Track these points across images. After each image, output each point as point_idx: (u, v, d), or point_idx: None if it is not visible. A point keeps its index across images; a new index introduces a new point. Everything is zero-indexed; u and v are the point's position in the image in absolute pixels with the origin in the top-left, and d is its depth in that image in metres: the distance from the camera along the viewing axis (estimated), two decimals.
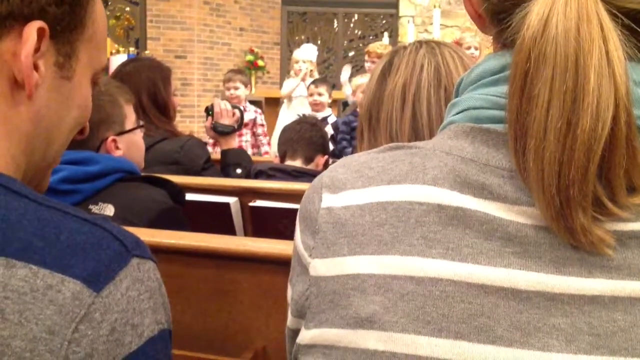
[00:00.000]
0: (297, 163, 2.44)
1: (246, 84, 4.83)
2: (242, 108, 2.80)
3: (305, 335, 0.55)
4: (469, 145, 0.54)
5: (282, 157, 2.49)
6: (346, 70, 5.49)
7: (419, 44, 1.13)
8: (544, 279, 0.48)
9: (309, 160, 2.45)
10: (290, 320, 0.60)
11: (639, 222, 0.48)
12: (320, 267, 0.55)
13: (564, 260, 0.49)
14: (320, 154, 2.49)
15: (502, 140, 0.52)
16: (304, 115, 2.77)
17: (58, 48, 0.64)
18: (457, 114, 0.56)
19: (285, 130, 2.55)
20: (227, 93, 4.68)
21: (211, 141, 4.47)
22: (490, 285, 0.49)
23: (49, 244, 0.54)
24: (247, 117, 4.65)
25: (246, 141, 4.58)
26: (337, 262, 0.54)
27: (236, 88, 4.70)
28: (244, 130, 4.63)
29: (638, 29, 0.48)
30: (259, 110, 4.87)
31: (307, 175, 2.29)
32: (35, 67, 0.62)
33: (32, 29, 0.60)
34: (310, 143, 2.46)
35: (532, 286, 0.48)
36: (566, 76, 0.46)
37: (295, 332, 0.58)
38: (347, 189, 0.57)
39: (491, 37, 0.58)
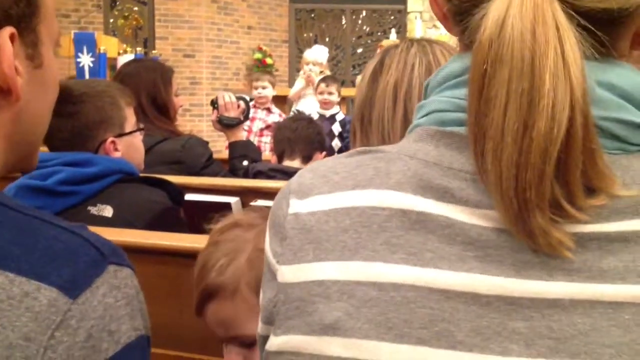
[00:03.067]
0: (296, 162, 2.43)
1: (273, 85, 4.82)
2: (247, 98, 2.78)
3: (274, 342, 0.55)
4: (434, 149, 0.53)
5: (280, 157, 2.48)
6: None
7: (410, 42, 1.12)
8: (504, 282, 0.48)
9: (307, 159, 2.44)
10: (260, 327, 0.60)
11: (598, 224, 0.48)
12: (287, 273, 0.55)
13: (525, 264, 0.48)
14: (318, 152, 2.48)
15: (466, 143, 0.51)
16: (298, 111, 2.74)
17: (25, 41, 0.63)
18: (423, 116, 0.56)
19: (281, 128, 2.53)
20: (255, 92, 4.67)
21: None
22: (451, 290, 0.49)
23: (26, 252, 0.55)
24: (271, 119, 4.65)
25: (265, 143, 4.56)
26: (303, 269, 0.54)
27: (264, 87, 4.70)
28: (265, 132, 4.62)
29: (594, 29, 0.48)
30: (284, 115, 4.84)
31: None
32: (16, 71, 0.62)
33: (5, 38, 0.60)
34: (308, 142, 2.44)
35: (493, 290, 0.48)
36: (522, 78, 0.46)
37: (266, 339, 0.58)
38: (313, 194, 0.57)
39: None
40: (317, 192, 0.56)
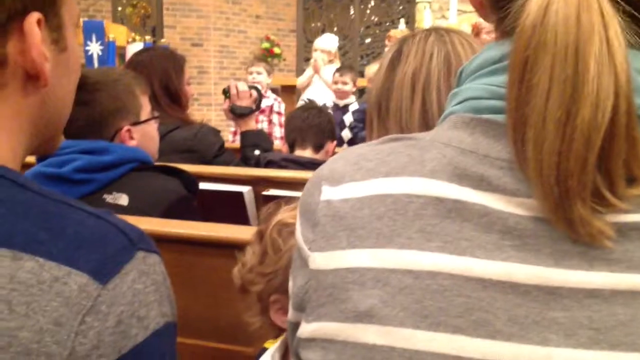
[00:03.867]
0: (307, 152, 2.42)
1: (269, 72, 4.84)
2: (259, 87, 2.78)
3: (305, 329, 0.55)
4: (469, 137, 0.53)
5: (291, 146, 2.46)
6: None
7: (428, 32, 1.11)
8: (543, 272, 0.48)
9: (318, 148, 2.43)
10: (291, 314, 0.60)
11: (639, 214, 0.47)
12: (320, 260, 0.55)
13: (564, 253, 0.48)
14: (330, 141, 2.46)
15: (503, 131, 0.51)
16: (309, 100, 2.72)
17: (50, 25, 0.63)
18: (457, 104, 0.56)
19: (292, 118, 2.49)
20: (249, 78, 4.69)
21: (232, 129, 4.49)
22: (488, 279, 0.48)
23: (55, 237, 0.55)
24: (265, 103, 4.66)
25: (261, 128, 4.58)
26: (336, 256, 0.54)
27: (259, 73, 4.72)
28: (260, 117, 4.62)
29: (639, 16, 0.48)
30: (279, 99, 4.85)
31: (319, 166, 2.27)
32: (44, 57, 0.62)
33: (33, 24, 0.60)
34: (319, 131, 2.41)
35: (531, 280, 0.48)
36: (566, 64, 0.45)
37: (297, 326, 0.58)
38: (346, 181, 0.56)
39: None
40: (350, 179, 0.56)
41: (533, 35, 0.47)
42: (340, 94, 4.59)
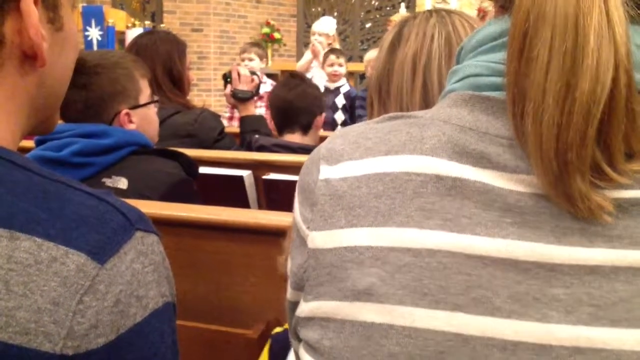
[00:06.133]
0: (297, 135, 2.38)
1: (262, 57, 4.80)
2: (259, 74, 2.76)
3: (304, 308, 0.55)
4: (468, 114, 0.52)
5: (279, 128, 2.41)
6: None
7: (429, 13, 1.11)
8: (543, 249, 0.48)
9: (306, 129, 2.37)
10: (289, 293, 0.60)
11: (639, 190, 0.47)
12: (318, 239, 0.55)
13: (564, 230, 0.48)
14: (318, 115, 2.40)
15: (502, 108, 0.51)
16: (290, 74, 2.60)
17: (46, 4, 0.63)
18: (457, 81, 0.55)
19: (276, 99, 2.41)
20: (242, 64, 4.67)
21: (227, 115, 4.47)
22: (488, 256, 0.48)
23: (53, 217, 0.55)
24: (263, 89, 4.64)
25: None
26: (335, 235, 0.54)
27: (250, 59, 4.69)
28: (259, 103, 4.61)
29: None
30: (275, 84, 4.84)
31: (310, 152, 2.23)
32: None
33: (30, 4, 0.59)
34: (305, 113, 2.36)
35: (531, 257, 0.48)
36: (565, 37, 0.45)
37: (295, 305, 0.58)
38: (344, 160, 0.56)
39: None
40: (348, 158, 0.56)
41: (532, 8, 0.46)
42: (336, 77, 4.58)
